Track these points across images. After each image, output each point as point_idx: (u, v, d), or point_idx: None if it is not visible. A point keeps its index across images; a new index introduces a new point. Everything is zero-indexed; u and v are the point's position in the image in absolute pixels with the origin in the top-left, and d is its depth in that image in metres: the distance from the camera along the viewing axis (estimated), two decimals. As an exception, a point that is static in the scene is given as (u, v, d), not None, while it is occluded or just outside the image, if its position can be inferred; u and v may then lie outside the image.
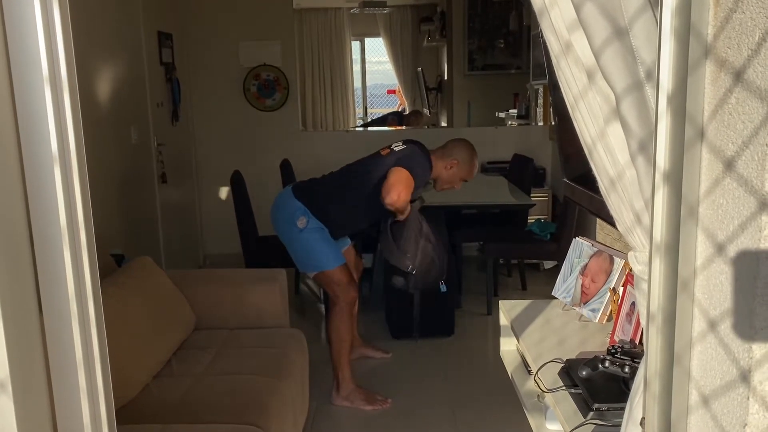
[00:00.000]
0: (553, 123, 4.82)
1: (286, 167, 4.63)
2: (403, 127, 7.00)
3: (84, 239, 0.99)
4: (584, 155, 1.08)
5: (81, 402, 1.02)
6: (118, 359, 1.93)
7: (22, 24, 0.89)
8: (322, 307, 4.11)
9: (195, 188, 5.35)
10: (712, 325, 0.87)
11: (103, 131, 3.59)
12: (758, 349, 0.78)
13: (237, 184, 3.80)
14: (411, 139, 3.02)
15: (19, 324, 0.93)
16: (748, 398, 0.79)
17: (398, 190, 2.74)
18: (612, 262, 1.95)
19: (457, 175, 2.96)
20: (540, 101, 5.53)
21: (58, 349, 1.00)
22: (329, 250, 2.89)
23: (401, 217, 2.92)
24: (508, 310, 2.20)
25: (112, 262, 2.70)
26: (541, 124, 5.50)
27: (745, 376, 0.79)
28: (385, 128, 7.09)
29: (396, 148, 2.92)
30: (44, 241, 0.96)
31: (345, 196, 2.93)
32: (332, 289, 2.91)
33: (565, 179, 2.03)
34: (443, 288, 3.05)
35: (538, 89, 5.56)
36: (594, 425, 1.42)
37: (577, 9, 0.93)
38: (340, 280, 2.88)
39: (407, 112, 8.06)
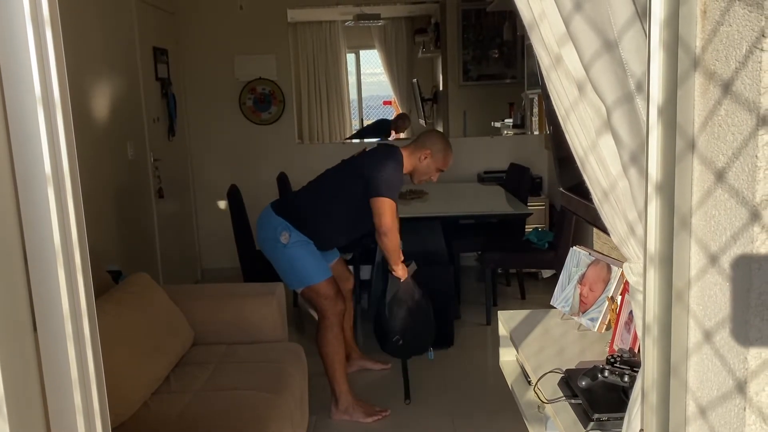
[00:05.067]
0: (548, 132, 4.83)
1: (282, 180, 4.64)
2: (400, 136, 7.01)
3: (78, 258, 0.99)
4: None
5: (77, 422, 1.01)
6: (116, 376, 1.92)
7: (14, 45, 0.89)
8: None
9: (192, 203, 5.35)
10: (708, 336, 0.87)
11: (99, 147, 3.60)
12: (753, 360, 0.78)
13: (234, 198, 3.80)
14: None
15: (13, 343, 0.93)
16: (744, 409, 0.79)
17: (386, 216, 2.82)
18: (610, 270, 1.95)
19: (432, 165, 2.99)
20: (535, 110, 5.55)
21: (54, 368, 1.00)
22: (315, 264, 2.89)
23: (398, 272, 2.98)
24: (506, 320, 2.19)
25: (109, 278, 2.70)
26: (536, 132, 5.52)
27: (741, 387, 0.79)
28: (382, 140, 7.10)
29: (368, 149, 2.98)
30: (38, 260, 0.96)
31: (325, 204, 2.95)
32: (320, 303, 2.91)
33: (561, 188, 2.04)
34: (431, 356, 3.13)
35: (533, 98, 5.58)
36: (594, 436, 1.42)
37: (567, 22, 0.93)
38: (327, 293, 2.88)
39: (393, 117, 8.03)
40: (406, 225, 2.97)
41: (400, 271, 2.99)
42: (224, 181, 4.21)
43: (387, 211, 2.82)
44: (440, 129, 7.60)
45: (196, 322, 2.71)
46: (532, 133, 5.63)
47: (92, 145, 3.50)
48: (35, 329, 0.98)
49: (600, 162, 1.00)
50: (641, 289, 0.95)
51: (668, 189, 0.87)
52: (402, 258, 3.01)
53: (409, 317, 3.02)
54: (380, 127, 7.52)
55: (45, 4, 0.89)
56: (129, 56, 4.10)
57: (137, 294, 2.49)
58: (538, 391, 1.67)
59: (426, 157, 2.96)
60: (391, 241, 2.87)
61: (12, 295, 0.93)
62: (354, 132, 8.53)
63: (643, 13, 0.88)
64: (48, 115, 0.90)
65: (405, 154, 2.95)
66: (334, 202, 2.94)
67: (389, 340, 3.05)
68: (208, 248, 5.44)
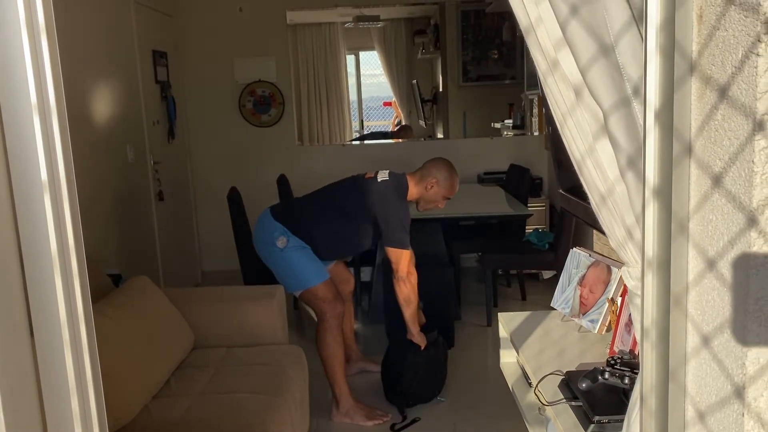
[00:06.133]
0: (547, 132, 4.83)
1: (282, 183, 4.64)
2: (400, 140, 7.01)
3: (75, 264, 0.99)
4: (577, 168, 1.08)
5: (74, 428, 1.01)
6: (116, 380, 1.92)
7: (9, 52, 0.89)
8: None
9: (192, 205, 5.35)
10: (706, 340, 0.86)
11: (99, 151, 3.60)
12: (751, 365, 0.77)
13: (234, 200, 3.80)
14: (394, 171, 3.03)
15: (10, 350, 0.93)
16: (743, 414, 0.79)
17: (403, 263, 2.84)
18: (610, 272, 1.95)
19: (439, 193, 2.98)
20: (535, 111, 5.55)
21: (51, 374, 1.00)
22: (312, 267, 2.89)
23: (417, 338, 2.96)
24: (507, 321, 2.19)
25: (109, 282, 2.70)
26: (536, 133, 5.52)
27: (739, 392, 0.79)
28: (382, 141, 7.10)
29: (380, 178, 2.93)
30: (35, 266, 0.96)
31: (327, 217, 2.94)
32: (318, 306, 2.90)
33: (561, 190, 2.03)
34: (441, 400, 3.13)
35: (532, 99, 5.58)
36: (594, 438, 1.42)
37: (563, 27, 0.93)
38: (325, 296, 2.88)
39: (394, 130, 8.04)
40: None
41: (418, 338, 2.97)
42: (224, 184, 4.21)
43: (403, 259, 2.84)
44: (440, 130, 7.61)
45: (196, 325, 2.71)
46: (532, 133, 5.63)
47: (92, 148, 3.50)
48: (32, 335, 0.98)
49: (597, 166, 1.00)
50: (639, 293, 0.95)
51: (665, 193, 0.87)
52: (424, 321, 3.00)
53: (420, 370, 3.00)
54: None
55: (40, 11, 0.89)
56: (128, 59, 4.10)
57: (137, 297, 2.49)
58: (538, 393, 1.66)
59: (432, 186, 2.95)
60: (408, 287, 2.87)
61: (9, 301, 0.93)
62: (357, 137, 8.55)
63: (639, 18, 0.88)
64: (44, 122, 0.90)
65: (411, 183, 2.94)
66: (337, 221, 2.93)
67: (396, 393, 3.03)
68: (208, 251, 5.44)
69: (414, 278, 2.89)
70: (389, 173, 2.96)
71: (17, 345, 0.94)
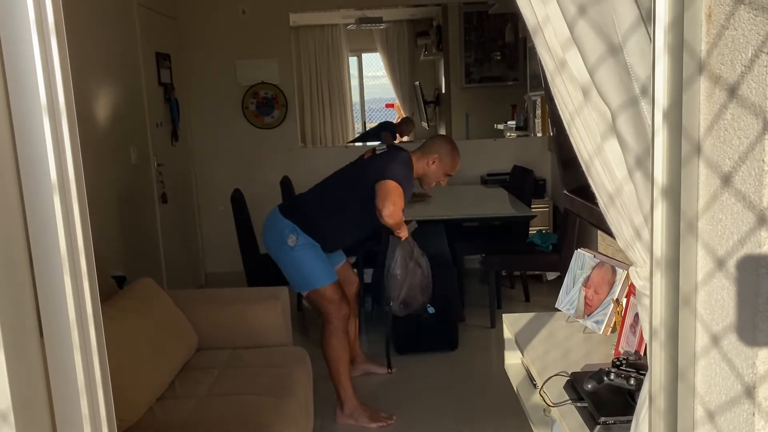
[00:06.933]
0: (551, 134, 4.83)
1: (286, 184, 4.64)
2: (404, 140, 7.01)
3: (84, 266, 0.99)
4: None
5: (83, 429, 1.01)
6: (121, 382, 1.92)
7: (19, 53, 0.89)
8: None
9: (195, 207, 5.36)
10: (715, 340, 0.86)
11: (102, 152, 3.61)
12: (762, 364, 0.77)
13: (237, 202, 3.81)
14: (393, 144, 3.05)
15: (20, 351, 0.93)
16: (753, 414, 0.78)
17: (391, 200, 2.75)
18: (614, 273, 1.95)
19: (440, 169, 2.99)
20: (538, 112, 5.55)
21: (60, 375, 1.00)
22: (321, 267, 2.89)
23: (401, 234, 2.93)
24: (511, 323, 2.19)
25: (114, 284, 2.70)
26: (539, 135, 5.52)
27: (749, 392, 0.79)
28: (383, 142, 7.09)
29: (378, 151, 2.96)
30: (45, 267, 0.96)
31: (333, 206, 2.94)
32: (324, 307, 2.90)
33: (565, 191, 2.03)
34: (430, 310, 3.11)
35: (535, 100, 5.58)
36: (600, 439, 1.41)
37: (571, 27, 0.93)
38: (332, 297, 2.88)
39: (397, 122, 8.05)
40: (409, 227, 2.97)
41: (401, 232, 2.95)
42: (227, 186, 4.22)
43: (389, 195, 2.74)
44: (443, 131, 7.61)
45: (200, 327, 2.71)
46: (535, 135, 5.63)
47: (95, 150, 3.51)
48: (41, 336, 0.98)
49: (605, 166, 1.00)
50: (648, 293, 0.95)
51: (674, 193, 0.87)
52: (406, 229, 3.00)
53: (407, 276, 2.99)
54: (384, 130, 7.52)
55: (50, 11, 0.90)
56: (132, 61, 4.11)
57: (141, 299, 2.49)
58: (543, 395, 1.66)
59: (434, 162, 2.96)
60: (393, 218, 2.81)
61: (18, 302, 0.94)
62: (357, 135, 8.54)
63: (647, 17, 0.88)
64: (53, 123, 0.90)
65: (413, 159, 2.95)
66: (342, 204, 2.93)
67: (385, 304, 3.04)
68: (212, 252, 5.44)
69: (399, 210, 2.80)
70: (386, 144, 2.99)
71: (27, 346, 0.94)
